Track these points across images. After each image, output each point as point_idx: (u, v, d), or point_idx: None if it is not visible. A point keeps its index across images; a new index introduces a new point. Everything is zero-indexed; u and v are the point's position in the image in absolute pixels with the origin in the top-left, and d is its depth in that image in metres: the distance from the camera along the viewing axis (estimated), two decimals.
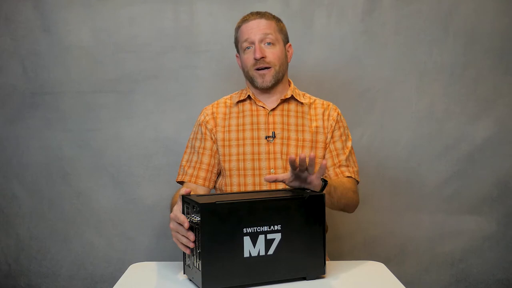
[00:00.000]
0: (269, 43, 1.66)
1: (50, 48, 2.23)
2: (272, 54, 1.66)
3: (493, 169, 2.33)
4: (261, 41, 1.65)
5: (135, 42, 2.25)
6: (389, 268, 1.50)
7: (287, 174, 1.36)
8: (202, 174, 1.69)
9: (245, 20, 1.70)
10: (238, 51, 1.76)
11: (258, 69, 1.66)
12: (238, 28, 1.72)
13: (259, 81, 1.67)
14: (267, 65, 1.65)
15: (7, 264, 2.31)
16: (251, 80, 1.70)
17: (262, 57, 1.64)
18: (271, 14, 1.71)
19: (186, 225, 1.25)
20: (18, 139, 2.27)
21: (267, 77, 1.66)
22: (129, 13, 2.24)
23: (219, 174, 1.74)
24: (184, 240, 1.27)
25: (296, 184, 1.38)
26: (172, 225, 1.31)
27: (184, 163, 1.73)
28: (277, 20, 1.71)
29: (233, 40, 1.77)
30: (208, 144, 1.70)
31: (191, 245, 1.25)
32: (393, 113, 2.32)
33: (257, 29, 1.66)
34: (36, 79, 2.25)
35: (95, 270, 2.30)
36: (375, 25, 2.28)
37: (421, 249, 2.36)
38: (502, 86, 2.32)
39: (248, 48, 1.68)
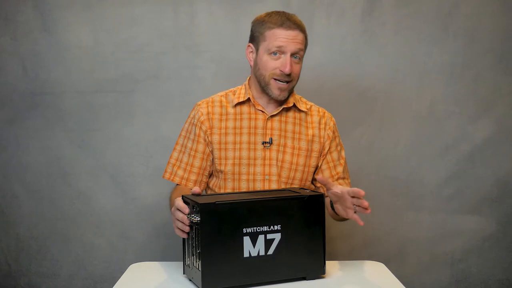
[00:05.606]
0: (296, 57, 1.59)
1: (50, 48, 2.23)
2: (296, 70, 1.60)
3: (493, 169, 2.33)
4: (292, 54, 1.57)
5: (135, 42, 2.25)
6: (389, 268, 1.50)
7: (340, 188, 1.38)
8: (193, 177, 1.66)
9: (284, 24, 1.57)
10: (256, 45, 1.61)
11: (278, 80, 1.58)
12: (271, 28, 1.57)
13: (275, 93, 1.60)
14: (288, 79, 1.59)
15: (7, 264, 2.31)
16: (264, 84, 1.61)
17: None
18: (304, 27, 1.61)
19: (186, 211, 1.29)
20: (18, 139, 2.27)
21: (285, 92, 1.60)
22: (129, 13, 2.24)
23: (211, 174, 1.71)
24: (180, 225, 1.31)
25: (338, 204, 1.42)
26: (177, 215, 1.32)
27: (173, 161, 1.68)
28: (306, 36, 1.62)
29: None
30: (201, 147, 1.65)
31: (186, 229, 1.30)
32: (393, 113, 2.32)
33: (294, 41, 1.56)
34: (36, 79, 2.25)
35: (95, 270, 2.30)
36: (375, 25, 2.28)
37: (421, 249, 2.36)
38: (502, 86, 2.32)
39: (275, 54, 1.56)
